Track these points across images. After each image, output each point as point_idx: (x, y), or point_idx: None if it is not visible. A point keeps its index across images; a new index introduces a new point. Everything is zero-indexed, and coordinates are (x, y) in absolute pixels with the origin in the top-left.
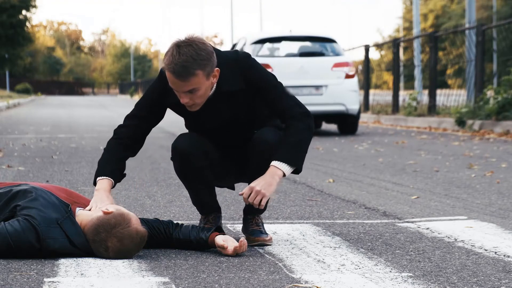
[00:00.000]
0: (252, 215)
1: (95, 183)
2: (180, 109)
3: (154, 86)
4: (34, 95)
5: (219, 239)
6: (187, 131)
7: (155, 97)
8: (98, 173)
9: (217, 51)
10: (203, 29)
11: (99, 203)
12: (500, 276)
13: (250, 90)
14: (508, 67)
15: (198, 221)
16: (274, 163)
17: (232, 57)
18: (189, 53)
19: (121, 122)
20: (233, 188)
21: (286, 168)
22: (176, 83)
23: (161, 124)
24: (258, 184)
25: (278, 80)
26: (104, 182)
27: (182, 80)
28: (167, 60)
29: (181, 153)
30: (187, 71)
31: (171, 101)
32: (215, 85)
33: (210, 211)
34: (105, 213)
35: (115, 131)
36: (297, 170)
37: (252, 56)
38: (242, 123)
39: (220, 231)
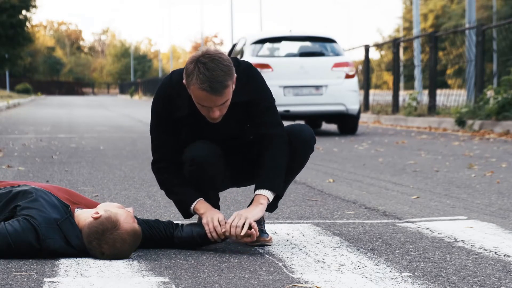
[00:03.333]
0: None
1: (188, 215)
2: (186, 122)
3: (154, 107)
4: (34, 95)
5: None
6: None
7: (162, 115)
8: (187, 204)
9: None
10: (203, 29)
11: (214, 216)
12: (500, 276)
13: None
14: (508, 67)
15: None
16: (258, 191)
17: (238, 65)
18: (218, 67)
19: (151, 156)
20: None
21: (270, 195)
22: (212, 99)
23: None
24: (242, 211)
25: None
26: (202, 203)
27: (219, 95)
28: (197, 80)
29: (200, 163)
30: (223, 85)
31: (178, 115)
32: None
33: None
34: (94, 218)
35: (155, 169)
36: (277, 197)
37: (252, 56)
38: (244, 134)
39: None
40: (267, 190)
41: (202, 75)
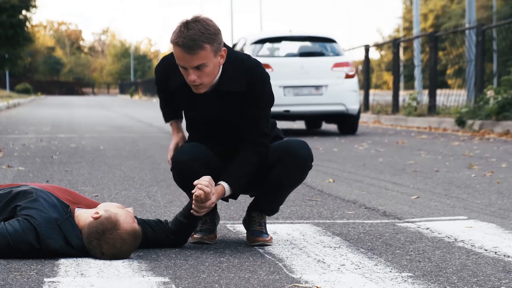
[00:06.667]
0: (257, 212)
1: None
2: (181, 95)
3: (155, 76)
4: (34, 95)
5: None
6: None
7: (160, 85)
8: (166, 119)
9: (229, 48)
10: None
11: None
12: (500, 276)
13: (243, 93)
14: (508, 67)
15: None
16: (223, 183)
17: (241, 59)
18: (197, 28)
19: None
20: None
21: (228, 189)
22: (185, 57)
23: (161, 124)
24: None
25: (273, 96)
26: (173, 126)
27: (191, 53)
28: (175, 36)
29: (181, 166)
30: (196, 44)
31: (174, 85)
32: (216, 80)
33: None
34: (94, 218)
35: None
36: (233, 196)
37: (253, 57)
38: (239, 126)
39: None
40: (227, 184)
41: (180, 32)
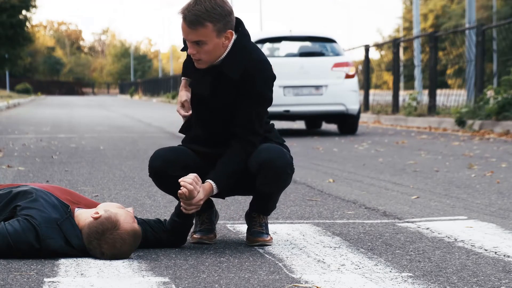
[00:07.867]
0: (257, 213)
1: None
2: (190, 59)
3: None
4: (34, 95)
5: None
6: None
7: (184, 45)
8: (183, 74)
9: (246, 37)
10: None
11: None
12: (500, 276)
13: (241, 83)
14: (508, 67)
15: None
16: (210, 181)
17: (251, 50)
18: (205, 5)
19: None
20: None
21: (215, 187)
22: (186, 30)
23: (161, 124)
24: (201, 190)
25: (272, 99)
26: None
27: (191, 28)
28: (183, 8)
29: (155, 171)
30: (197, 20)
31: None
32: (220, 60)
33: (202, 211)
34: (94, 218)
35: None
36: (220, 195)
37: None
38: (230, 119)
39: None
40: (213, 182)
41: (188, 5)
